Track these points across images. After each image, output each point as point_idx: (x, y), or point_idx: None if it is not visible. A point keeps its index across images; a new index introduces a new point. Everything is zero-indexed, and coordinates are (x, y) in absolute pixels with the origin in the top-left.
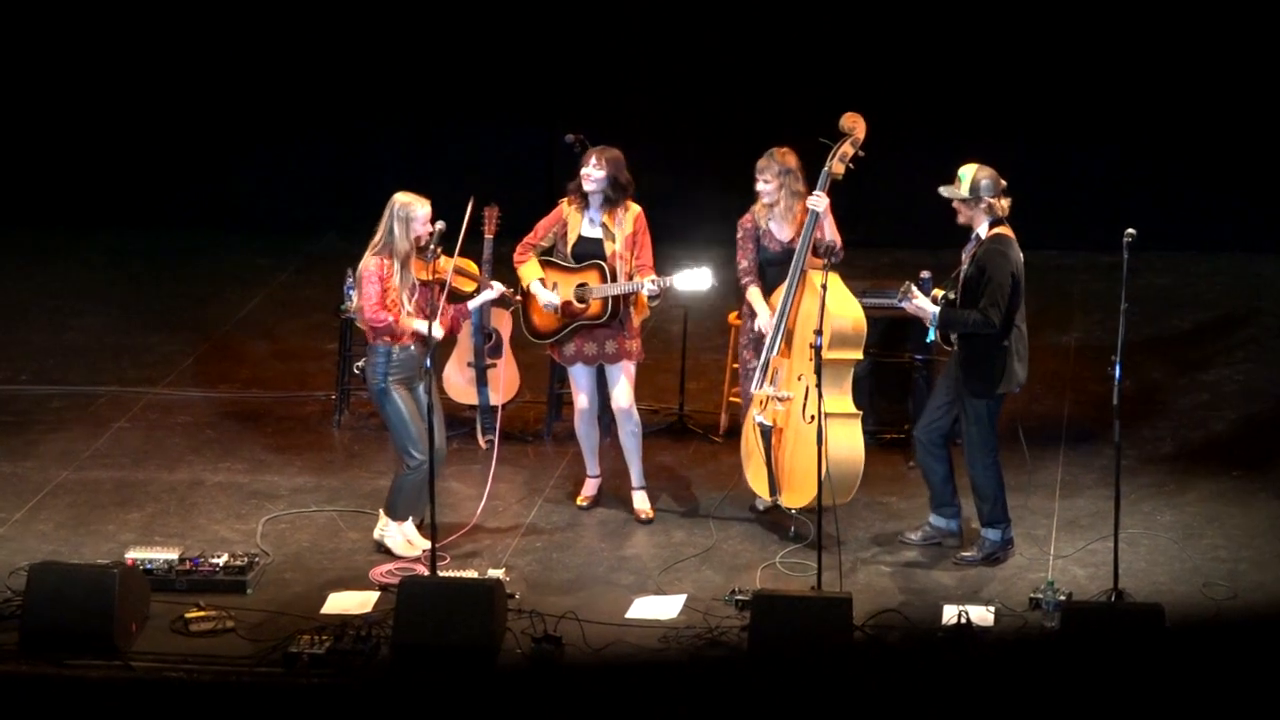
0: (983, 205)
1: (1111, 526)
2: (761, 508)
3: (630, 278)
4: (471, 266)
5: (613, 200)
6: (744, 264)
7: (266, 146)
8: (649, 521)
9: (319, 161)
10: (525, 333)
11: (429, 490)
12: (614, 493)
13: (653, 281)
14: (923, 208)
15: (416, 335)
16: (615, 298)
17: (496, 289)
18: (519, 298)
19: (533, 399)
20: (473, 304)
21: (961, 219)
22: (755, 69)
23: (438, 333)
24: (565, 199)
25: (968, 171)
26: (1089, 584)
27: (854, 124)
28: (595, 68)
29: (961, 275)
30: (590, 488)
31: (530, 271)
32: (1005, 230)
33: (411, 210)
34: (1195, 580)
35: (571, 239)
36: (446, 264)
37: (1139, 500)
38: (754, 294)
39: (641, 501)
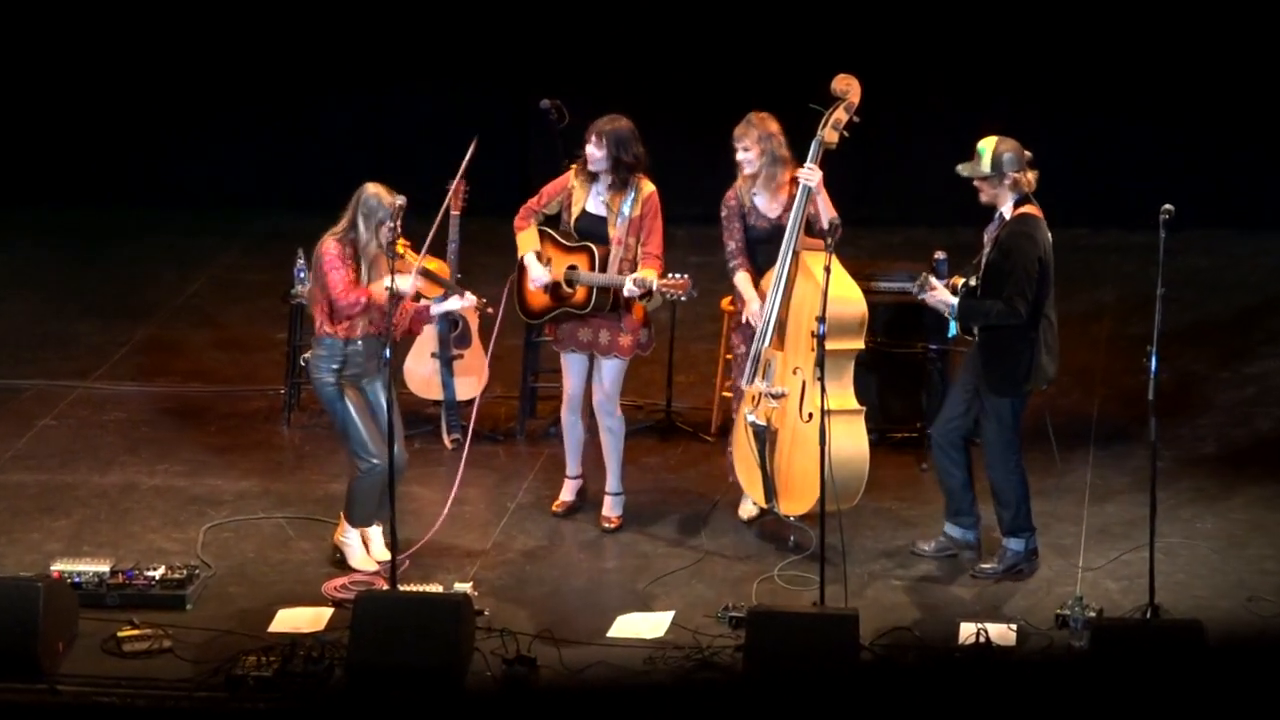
0: (1007, 181)
1: (1146, 535)
2: (745, 516)
3: (634, 265)
4: (440, 268)
5: (618, 182)
6: (731, 245)
7: (208, 114)
8: (614, 530)
9: (265, 130)
10: (517, 310)
11: (389, 497)
12: (595, 498)
13: (634, 281)
14: (937, 182)
15: (380, 308)
16: (601, 289)
17: (467, 300)
18: (490, 310)
19: (504, 393)
20: (436, 309)
21: (984, 198)
22: (750, 29)
23: (405, 285)
24: (573, 167)
25: (987, 145)
26: (1122, 599)
27: (847, 86)
28: (570, 25)
29: (984, 260)
30: (568, 491)
31: (528, 241)
32: (1032, 209)
33: (379, 206)
34: (1239, 594)
35: (575, 211)
36: (413, 260)
37: (1177, 506)
38: (742, 280)
39: (610, 507)
